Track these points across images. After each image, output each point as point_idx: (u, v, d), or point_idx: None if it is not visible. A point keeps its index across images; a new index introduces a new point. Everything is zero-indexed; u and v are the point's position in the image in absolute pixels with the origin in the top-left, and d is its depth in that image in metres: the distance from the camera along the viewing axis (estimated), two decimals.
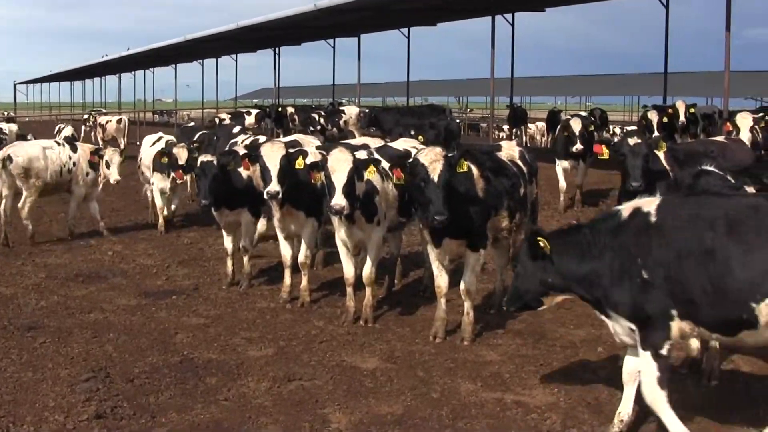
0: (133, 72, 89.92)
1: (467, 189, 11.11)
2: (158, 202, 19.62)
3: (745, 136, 18.39)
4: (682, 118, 27.05)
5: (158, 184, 19.32)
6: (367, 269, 12.31)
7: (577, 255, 8.12)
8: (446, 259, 11.48)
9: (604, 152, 12.96)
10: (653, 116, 28.12)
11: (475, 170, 11.31)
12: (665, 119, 27.65)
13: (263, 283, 14.63)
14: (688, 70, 60.20)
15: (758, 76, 54.62)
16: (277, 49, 60.09)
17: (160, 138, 20.54)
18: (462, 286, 11.53)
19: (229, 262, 14.57)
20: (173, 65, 76.19)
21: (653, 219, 7.74)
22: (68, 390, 9.58)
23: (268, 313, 12.77)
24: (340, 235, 12.18)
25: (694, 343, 10.20)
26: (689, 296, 7.48)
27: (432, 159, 10.55)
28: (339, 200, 11.11)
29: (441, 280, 11.57)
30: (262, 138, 17.89)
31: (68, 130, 33.18)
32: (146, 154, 20.25)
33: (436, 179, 10.42)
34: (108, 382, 9.82)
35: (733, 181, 9.83)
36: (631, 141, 12.56)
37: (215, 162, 13.71)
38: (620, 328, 8.01)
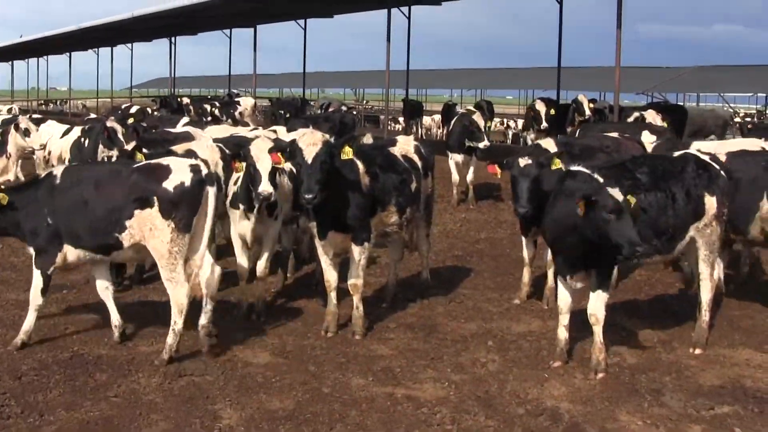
0: (26, 60, 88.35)
1: (350, 181, 11.20)
2: None
3: None
4: (587, 112, 27.44)
5: None
6: (262, 263, 12.31)
7: (20, 206, 10.64)
8: (331, 253, 11.53)
9: (498, 173, 12.53)
10: (541, 107, 28.60)
11: (360, 165, 11.40)
12: (553, 111, 28.15)
13: (154, 277, 14.48)
14: (581, 65, 61.12)
15: (649, 72, 55.70)
16: (173, 38, 59.62)
17: (70, 129, 19.40)
18: (349, 280, 11.64)
19: None
20: (68, 53, 74.96)
21: (57, 181, 10.53)
22: None
23: (160, 308, 12.68)
24: (239, 229, 12.13)
25: (563, 334, 10.46)
26: (77, 232, 10.37)
27: (309, 142, 10.71)
28: (267, 187, 11.10)
29: (329, 274, 11.66)
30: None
31: None
32: (57, 146, 19.16)
33: (310, 161, 10.56)
34: None
35: (600, 180, 9.95)
36: (522, 162, 12.05)
37: None
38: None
